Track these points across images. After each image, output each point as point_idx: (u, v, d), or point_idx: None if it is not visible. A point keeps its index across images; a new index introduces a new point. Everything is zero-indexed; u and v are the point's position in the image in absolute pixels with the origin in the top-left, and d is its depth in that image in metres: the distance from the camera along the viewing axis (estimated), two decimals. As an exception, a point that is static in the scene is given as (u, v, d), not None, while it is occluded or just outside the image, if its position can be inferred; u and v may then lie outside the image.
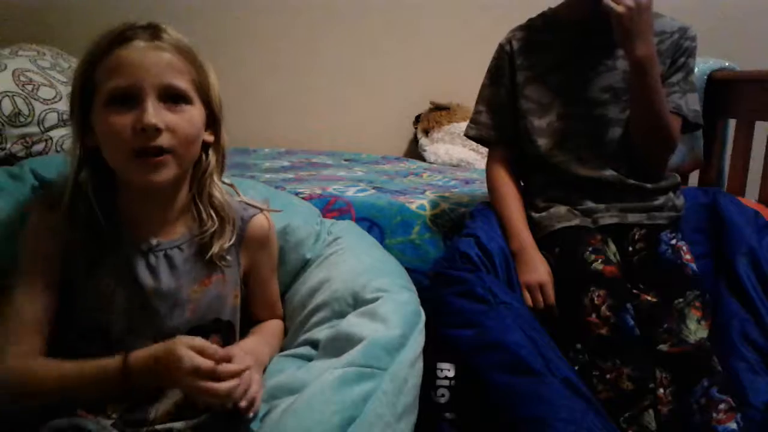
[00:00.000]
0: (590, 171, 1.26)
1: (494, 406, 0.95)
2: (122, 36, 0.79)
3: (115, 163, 0.82)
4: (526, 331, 1.01)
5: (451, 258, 1.16)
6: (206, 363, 0.73)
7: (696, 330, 1.06)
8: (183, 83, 0.81)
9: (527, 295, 1.15)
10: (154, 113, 0.77)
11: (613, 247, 1.20)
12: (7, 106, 1.35)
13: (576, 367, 1.03)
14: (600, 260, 1.12)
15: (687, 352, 1.04)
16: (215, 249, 0.89)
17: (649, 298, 1.12)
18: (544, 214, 1.26)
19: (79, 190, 0.83)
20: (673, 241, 1.19)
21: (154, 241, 0.86)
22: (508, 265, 1.19)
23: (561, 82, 1.30)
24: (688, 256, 1.17)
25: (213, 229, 0.89)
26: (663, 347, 1.06)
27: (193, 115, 0.83)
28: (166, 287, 0.85)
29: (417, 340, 0.89)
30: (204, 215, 0.89)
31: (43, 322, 0.81)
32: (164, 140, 0.78)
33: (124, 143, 0.78)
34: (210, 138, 0.89)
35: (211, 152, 0.89)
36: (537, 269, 1.16)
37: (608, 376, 1.01)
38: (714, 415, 0.97)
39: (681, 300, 1.09)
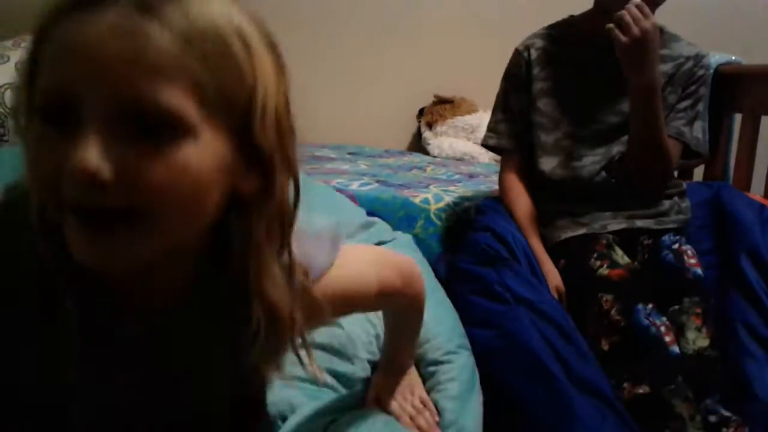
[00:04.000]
0: (594, 187, 1.26)
1: (511, 409, 0.94)
2: None
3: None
4: (544, 330, 1.01)
5: (472, 251, 1.16)
6: None
7: (695, 339, 1.05)
8: (172, 96, 0.41)
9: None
10: (99, 150, 0.41)
11: (619, 250, 1.19)
12: (11, 98, 1.35)
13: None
14: (605, 265, 1.12)
15: (691, 363, 1.02)
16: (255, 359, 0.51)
17: (649, 305, 1.10)
18: (549, 227, 1.26)
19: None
20: (676, 246, 1.18)
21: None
22: (526, 253, 1.20)
23: (573, 100, 1.28)
24: (692, 261, 1.16)
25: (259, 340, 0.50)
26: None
27: (189, 156, 0.43)
28: None
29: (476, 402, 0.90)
30: (250, 317, 0.50)
31: None
32: (115, 197, 0.42)
33: (49, 190, 0.43)
34: (252, 186, 0.48)
35: (254, 212, 0.48)
36: (548, 276, 1.18)
37: (625, 384, 0.99)
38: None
39: (677, 307, 1.08)
